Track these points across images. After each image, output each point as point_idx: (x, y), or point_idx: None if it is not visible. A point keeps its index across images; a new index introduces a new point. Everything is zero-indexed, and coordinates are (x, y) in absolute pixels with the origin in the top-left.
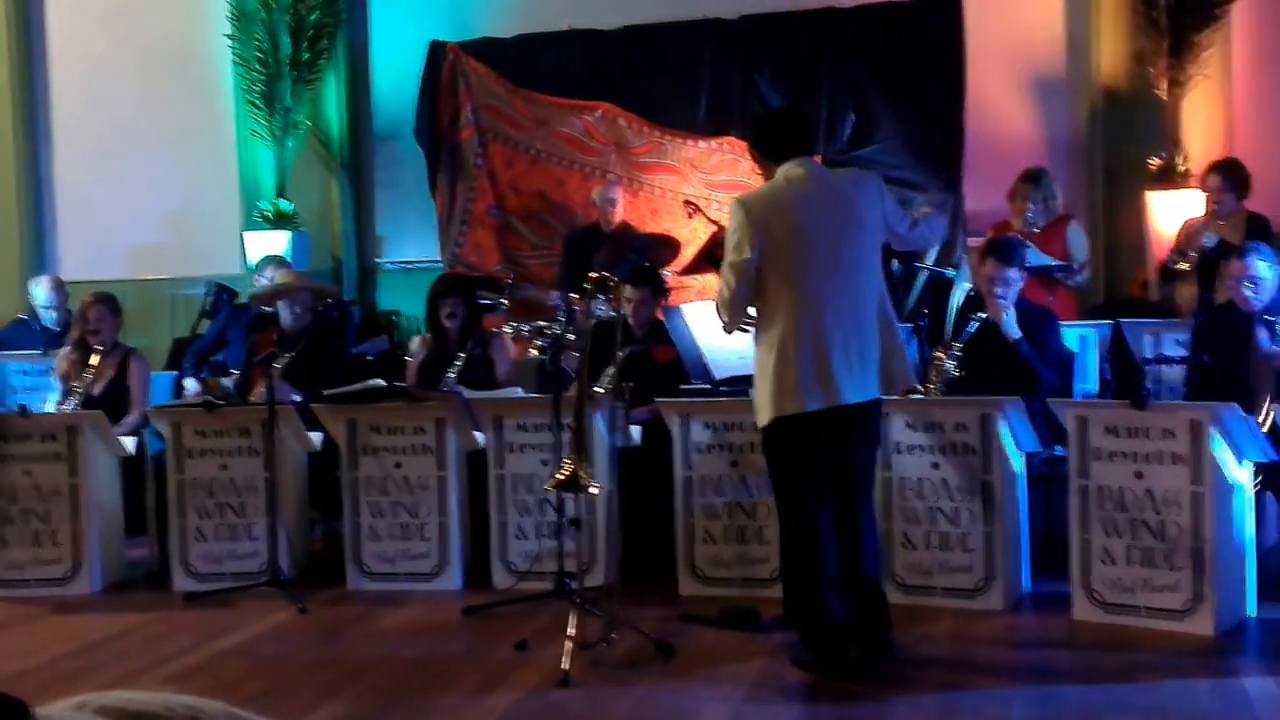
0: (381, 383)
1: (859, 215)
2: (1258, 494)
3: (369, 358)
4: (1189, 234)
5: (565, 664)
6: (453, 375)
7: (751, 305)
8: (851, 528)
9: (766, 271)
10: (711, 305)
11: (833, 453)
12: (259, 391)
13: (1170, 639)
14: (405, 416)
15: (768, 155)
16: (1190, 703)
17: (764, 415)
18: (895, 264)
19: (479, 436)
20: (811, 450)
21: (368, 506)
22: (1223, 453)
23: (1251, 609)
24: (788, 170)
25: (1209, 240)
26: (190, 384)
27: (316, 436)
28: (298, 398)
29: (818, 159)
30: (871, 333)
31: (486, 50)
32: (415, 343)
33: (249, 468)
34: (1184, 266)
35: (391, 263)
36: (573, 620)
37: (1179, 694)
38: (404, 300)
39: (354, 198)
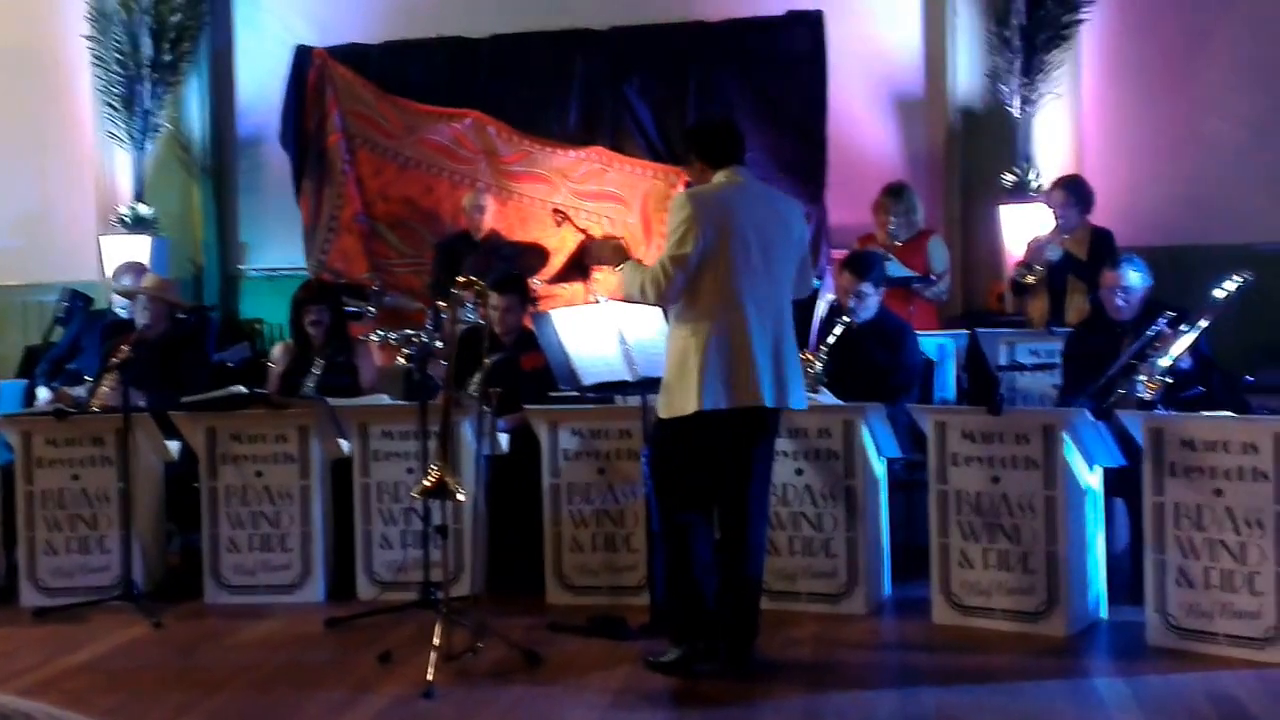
0: (243, 389)
1: (788, 229)
2: (1107, 499)
3: (230, 365)
4: (1034, 249)
5: (430, 674)
6: (311, 383)
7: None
8: (741, 527)
9: (704, 265)
10: (581, 311)
11: (734, 452)
12: (103, 392)
13: (1025, 640)
14: (267, 424)
15: (708, 160)
16: (1044, 703)
17: (680, 407)
18: None
19: (344, 444)
20: (714, 447)
21: (227, 517)
22: (1075, 458)
23: (1103, 611)
24: (726, 174)
25: (1053, 254)
26: (43, 393)
27: (174, 445)
28: (142, 403)
29: None
30: (791, 341)
31: (354, 56)
32: (277, 350)
33: (102, 478)
34: (1030, 280)
35: (255, 269)
36: (438, 630)
37: (1034, 694)
38: (267, 308)
39: (216, 203)
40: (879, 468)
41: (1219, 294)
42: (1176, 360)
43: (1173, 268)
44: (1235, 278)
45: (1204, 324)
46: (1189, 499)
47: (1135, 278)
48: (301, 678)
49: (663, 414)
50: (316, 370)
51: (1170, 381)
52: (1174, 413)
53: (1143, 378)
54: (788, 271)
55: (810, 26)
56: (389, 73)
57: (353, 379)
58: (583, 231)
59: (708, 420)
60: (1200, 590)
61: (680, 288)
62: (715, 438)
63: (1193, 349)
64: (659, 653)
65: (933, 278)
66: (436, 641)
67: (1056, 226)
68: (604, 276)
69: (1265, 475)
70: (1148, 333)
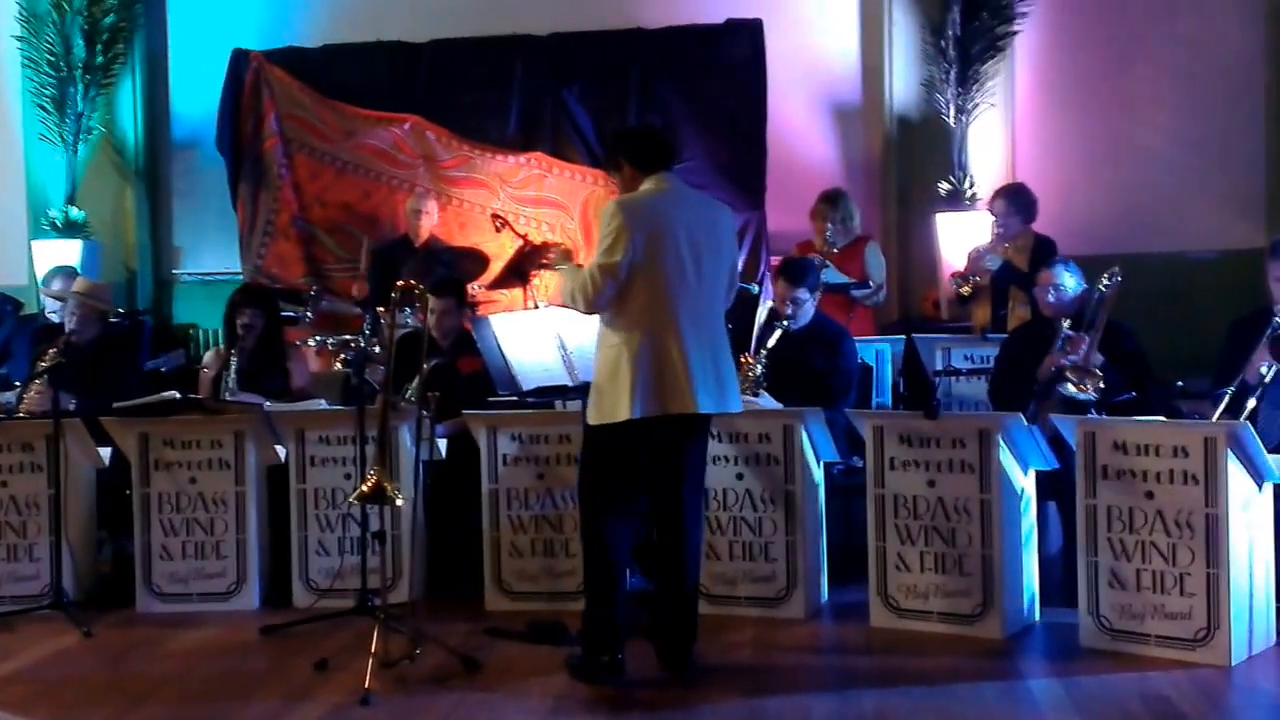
0: (176, 395)
1: (718, 236)
2: (1040, 502)
3: (163, 371)
4: (974, 259)
5: (367, 681)
6: (231, 381)
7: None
8: (677, 533)
9: (635, 273)
10: (520, 316)
11: (667, 459)
12: (30, 396)
13: (961, 642)
14: (201, 430)
15: (638, 165)
16: (980, 703)
17: (610, 414)
18: None
19: (280, 450)
20: (644, 454)
21: (160, 524)
22: (1009, 461)
23: (1037, 613)
24: (656, 181)
25: (992, 263)
26: None
27: (105, 451)
28: (72, 407)
29: None
30: (725, 348)
31: (292, 59)
32: (208, 356)
33: (31, 485)
34: (966, 291)
35: (189, 274)
36: (376, 637)
37: (969, 695)
38: (202, 313)
39: (150, 207)
40: (818, 472)
41: (1101, 291)
42: (1088, 357)
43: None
44: (1109, 275)
45: (1102, 319)
46: (1121, 502)
47: (1069, 278)
48: (236, 687)
49: (592, 420)
50: (233, 369)
51: (1100, 374)
52: (1106, 417)
53: (1071, 380)
54: (720, 277)
55: (749, 35)
56: (327, 77)
57: (284, 382)
58: (522, 237)
59: (639, 427)
60: (1132, 592)
61: (610, 296)
62: (645, 444)
63: (1127, 354)
64: (577, 655)
65: (870, 284)
66: (374, 648)
67: (997, 235)
68: (543, 281)
69: (1195, 478)
70: (1058, 340)
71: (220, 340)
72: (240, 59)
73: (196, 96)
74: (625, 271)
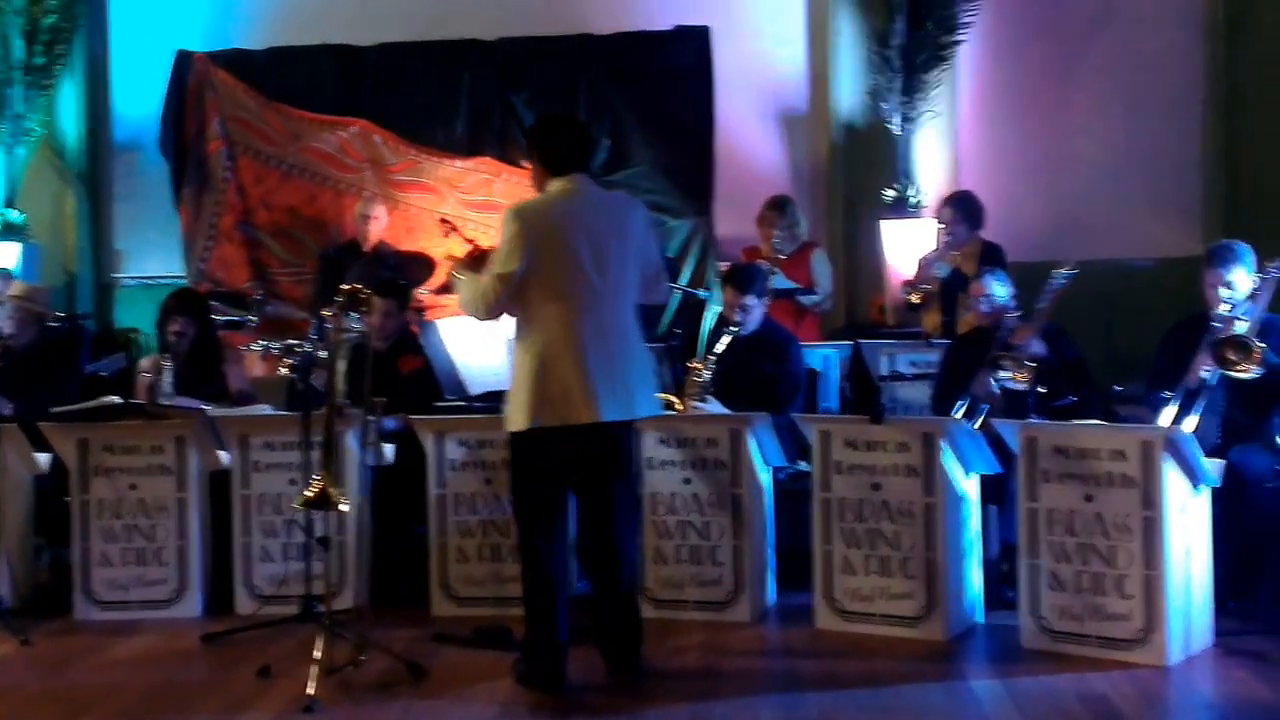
0: (117, 399)
1: (626, 237)
2: (982, 505)
3: (103, 376)
4: (923, 266)
5: (311, 689)
6: (166, 386)
7: (512, 313)
8: (607, 543)
9: (532, 282)
10: (468, 321)
11: (586, 469)
12: None
13: (906, 644)
14: (142, 435)
15: (547, 164)
16: (924, 704)
17: (515, 423)
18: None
19: (223, 456)
20: (560, 464)
21: (99, 531)
22: (953, 465)
23: (979, 615)
24: (563, 184)
25: (940, 271)
26: None
27: (44, 458)
28: (8, 412)
29: None
30: (634, 352)
31: (236, 62)
32: (145, 362)
33: None
34: (915, 299)
35: (131, 278)
36: (320, 643)
37: (914, 696)
38: (144, 317)
39: (90, 209)
40: (765, 476)
41: (1059, 278)
42: (1029, 347)
43: (1047, 282)
44: (1069, 268)
45: (1043, 306)
46: (1061, 505)
47: (999, 288)
48: (177, 695)
49: (506, 427)
50: (167, 375)
51: (1035, 365)
52: (1047, 421)
53: (1008, 369)
54: (629, 278)
55: (697, 42)
56: (272, 80)
57: (221, 386)
58: (470, 242)
59: (548, 436)
60: (1072, 593)
61: (503, 305)
62: (559, 453)
63: (1068, 360)
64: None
65: (816, 290)
66: (318, 655)
67: (945, 242)
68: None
69: (1133, 481)
70: (1000, 333)
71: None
72: (183, 61)
73: (139, 98)
74: (520, 280)
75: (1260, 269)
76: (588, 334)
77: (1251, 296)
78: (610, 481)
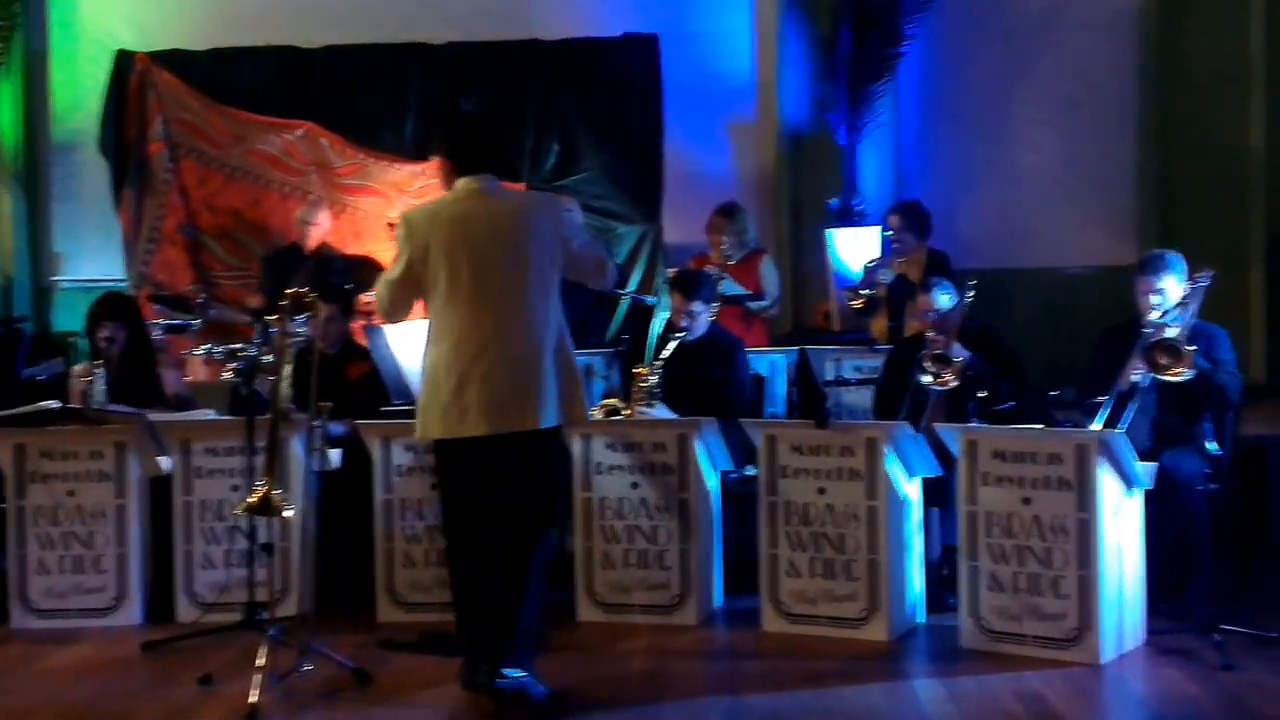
0: (55, 404)
1: (529, 241)
2: (924, 508)
3: (41, 380)
4: (869, 272)
5: (254, 696)
6: (99, 392)
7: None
8: (514, 566)
9: (428, 290)
10: (415, 325)
11: (492, 484)
12: None
13: (849, 645)
14: (81, 441)
15: (455, 161)
16: (866, 704)
17: (417, 432)
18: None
19: (163, 461)
20: (463, 476)
21: (36, 538)
22: (895, 469)
23: (920, 616)
24: (465, 185)
25: (886, 277)
26: None
27: None
28: None
29: (522, 186)
30: (538, 362)
31: (178, 62)
32: (78, 366)
33: None
34: (858, 304)
35: (70, 281)
36: (263, 651)
37: (856, 697)
38: (83, 321)
39: (28, 211)
40: (712, 481)
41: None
42: (952, 351)
43: (987, 290)
44: (968, 287)
45: (956, 318)
46: (1000, 507)
47: (944, 297)
48: (116, 705)
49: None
50: (100, 382)
51: (958, 365)
52: (987, 425)
53: (930, 370)
54: (535, 288)
55: (646, 49)
56: (217, 81)
57: (156, 390)
58: None
59: (449, 446)
60: (1010, 594)
61: (391, 310)
62: (456, 467)
63: (1001, 355)
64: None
65: (765, 296)
66: (261, 662)
67: (893, 249)
68: None
69: (1069, 484)
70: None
71: None
72: (124, 60)
73: (78, 98)
74: (403, 285)
75: (1190, 277)
76: (480, 341)
77: (1182, 304)
78: (512, 501)
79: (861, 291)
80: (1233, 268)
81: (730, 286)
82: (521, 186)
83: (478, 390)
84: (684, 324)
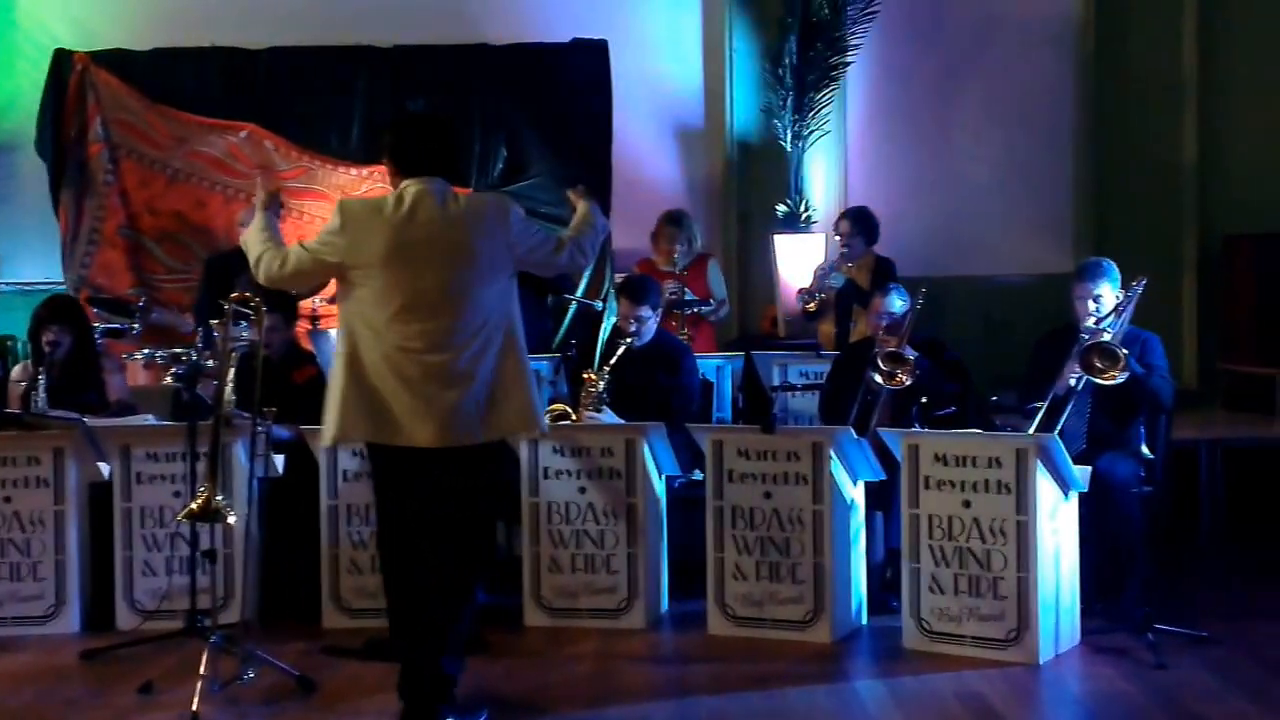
0: None
1: (471, 246)
2: (868, 511)
3: None
4: (818, 276)
5: (195, 705)
6: (40, 398)
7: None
8: (438, 589)
9: (350, 287)
10: None
11: (429, 500)
12: None
13: (794, 648)
14: (17, 446)
15: (399, 163)
16: (810, 706)
17: (325, 434)
18: (549, 298)
19: (103, 467)
20: (399, 488)
21: None
22: (840, 473)
23: (863, 618)
24: (408, 186)
25: (836, 281)
26: None
27: None
28: None
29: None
30: (472, 373)
31: (119, 62)
32: (16, 371)
33: None
34: (811, 307)
35: (6, 284)
36: (205, 658)
37: (801, 698)
38: (21, 324)
39: None
40: (659, 485)
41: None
42: (903, 352)
43: (929, 297)
44: (920, 292)
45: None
46: (941, 510)
47: (898, 302)
48: (54, 714)
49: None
50: (41, 387)
51: (909, 366)
52: (929, 430)
53: (882, 369)
54: (474, 294)
55: (595, 55)
56: (158, 81)
57: (99, 396)
58: None
59: (384, 454)
60: (950, 595)
61: (293, 281)
62: (381, 472)
63: (948, 363)
64: None
65: (712, 302)
66: (203, 670)
67: (841, 255)
68: None
69: (1008, 488)
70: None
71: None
72: (63, 60)
73: (15, 98)
74: (313, 264)
75: (1125, 285)
76: (403, 350)
77: (1117, 310)
78: (435, 516)
79: (816, 293)
80: (1166, 275)
81: (690, 296)
82: (468, 191)
83: (416, 400)
84: (632, 329)
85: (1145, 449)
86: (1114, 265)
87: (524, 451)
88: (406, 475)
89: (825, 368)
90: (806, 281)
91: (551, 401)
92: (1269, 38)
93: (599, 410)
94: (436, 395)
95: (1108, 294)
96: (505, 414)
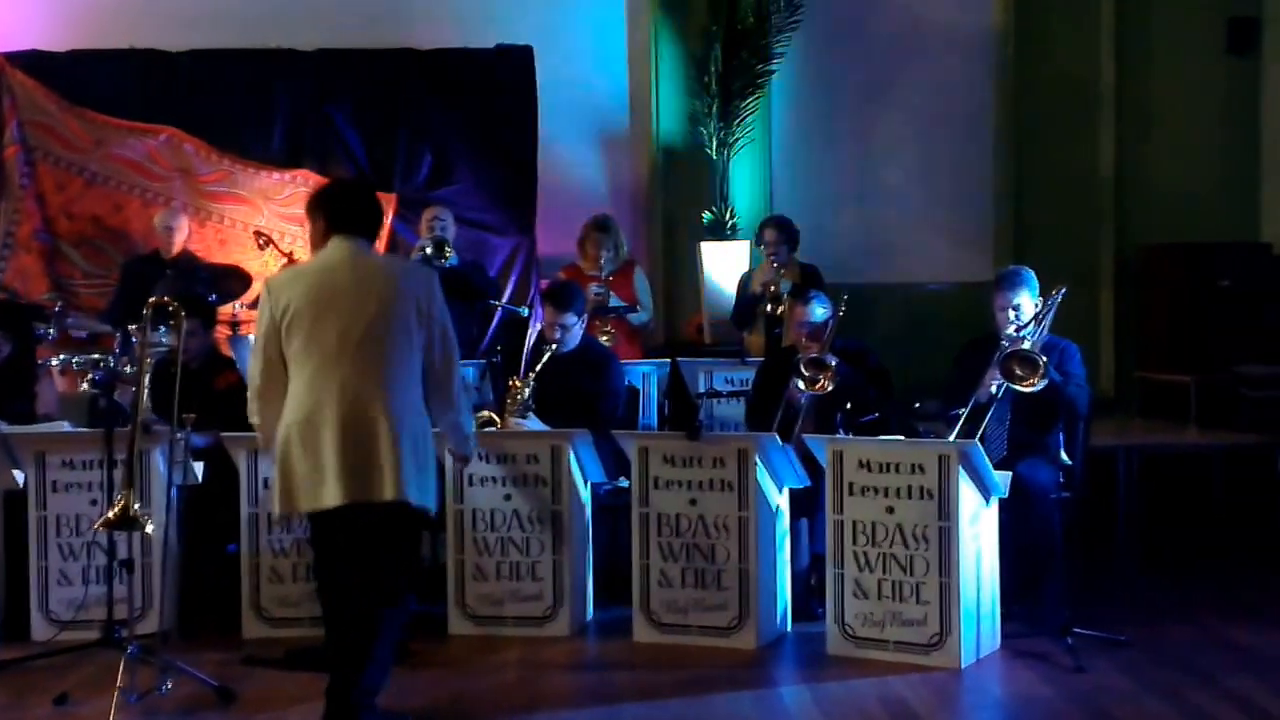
0: None
1: (395, 305)
2: (792, 518)
3: None
4: (766, 284)
5: (112, 716)
6: None
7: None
8: (360, 638)
9: (286, 355)
10: None
11: (346, 553)
12: None
13: (719, 654)
14: None
15: (328, 221)
16: (735, 712)
17: (278, 503)
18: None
19: (17, 475)
20: (325, 545)
21: None
22: (765, 480)
23: (788, 624)
24: (333, 247)
25: (785, 286)
26: None
27: None
28: None
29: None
30: (396, 430)
31: (36, 63)
32: None
33: None
34: (781, 310)
35: None
36: (122, 669)
37: (726, 704)
38: None
39: None
40: (585, 492)
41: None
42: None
43: (851, 304)
44: (841, 299)
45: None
46: (865, 516)
47: (819, 309)
48: None
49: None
50: None
51: (831, 371)
52: (853, 436)
53: (805, 375)
54: (397, 353)
55: (520, 61)
56: (75, 83)
57: (29, 406)
58: (286, 255)
59: (314, 516)
60: (874, 601)
61: (262, 384)
62: (329, 533)
63: (872, 369)
64: None
65: (638, 308)
66: (119, 681)
67: (770, 260)
68: None
69: (930, 493)
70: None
71: None
72: None
73: None
74: (270, 348)
75: (1044, 294)
76: (335, 403)
77: (1036, 319)
78: (363, 568)
79: (771, 287)
80: (1084, 285)
81: (615, 300)
82: (393, 197)
83: (332, 456)
84: (556, 336)
85: (1064, 455)
86: (1033, 274)
87: (449, 459)
88: (333, 533)
89: (751, 374)
90: (732, 291)
91: (477, 408)
92: (1186, 50)
93: (524, 417)
94: (355, 451)
95: (1026, 303)
96: (400, 476)
